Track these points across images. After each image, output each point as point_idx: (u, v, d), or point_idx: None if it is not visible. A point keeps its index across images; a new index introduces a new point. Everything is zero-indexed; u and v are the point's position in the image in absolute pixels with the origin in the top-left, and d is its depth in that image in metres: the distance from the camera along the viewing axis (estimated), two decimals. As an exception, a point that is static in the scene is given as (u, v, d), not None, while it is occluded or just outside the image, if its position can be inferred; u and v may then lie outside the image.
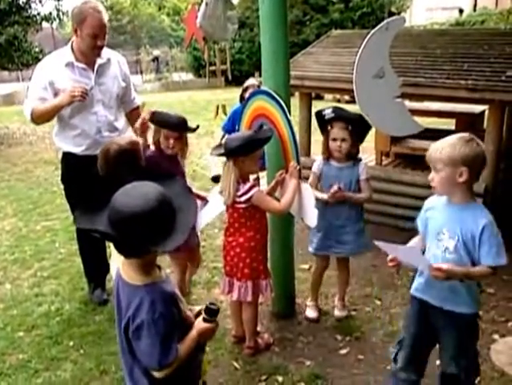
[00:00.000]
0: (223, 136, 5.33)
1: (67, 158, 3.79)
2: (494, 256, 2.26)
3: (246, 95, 5.13)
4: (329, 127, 3.41)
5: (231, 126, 5.06)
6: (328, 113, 3.38)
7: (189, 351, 1.89)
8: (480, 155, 2.31)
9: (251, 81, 5.24)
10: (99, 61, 3.66)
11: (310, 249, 3.70)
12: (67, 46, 3.67)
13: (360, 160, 3.53)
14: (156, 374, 1.84)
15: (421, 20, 23.45)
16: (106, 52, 3.71)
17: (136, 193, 1.70)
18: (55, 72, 3.57)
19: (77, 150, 3.70)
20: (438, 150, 2.29)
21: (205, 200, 3.57)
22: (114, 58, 3.80)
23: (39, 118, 3.67)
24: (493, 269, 2.28)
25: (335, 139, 3.39)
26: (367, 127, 3.44)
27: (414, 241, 2.60)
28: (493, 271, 2.29)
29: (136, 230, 1.66)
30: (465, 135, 2.34)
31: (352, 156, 3.48)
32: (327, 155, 3.50)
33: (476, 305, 2.46)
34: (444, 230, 2.36)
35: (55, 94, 3.57)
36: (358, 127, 3.40)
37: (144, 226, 1.66)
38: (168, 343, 1.79)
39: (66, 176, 3.85)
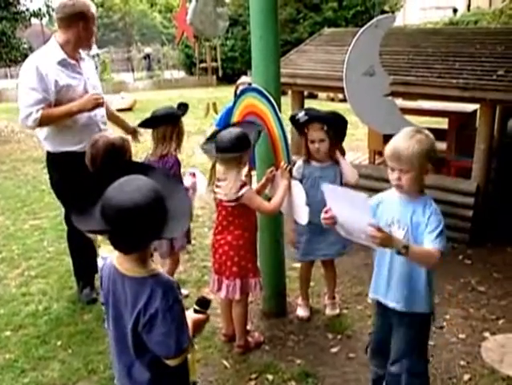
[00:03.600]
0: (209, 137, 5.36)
1: (65, 159, 3.65)
2: (434, 239, 2.25)
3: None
4: (306, 130, 3.37)
5: (223, 123, 5.03)
6: (301, 116, 3.33)
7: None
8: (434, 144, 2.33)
9: (243, 79, 5.21)
10: (81, 57, 3.71)
11: (297, 256, 3.68)
12: (52, 44, 3.62)
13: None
14: (172, 362, 1.83)
15: (415, 19, 23.50)
16: None
17: (130, 188, 1.68)
18: (54, 71, 3.52)
19: (77, 148, 3.62)
20: (407, 146, 2.26)
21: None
22: (86, 57, 3.87)
23: (49, 122, 3.60)
24: (436, 253, 2.25)
25: (312, 141, 3.36)
26: (344, 124, 3.39)
27: None
28: (434, 255, 2.25)
29: (137, 224, 1.65)
30: (414, 129, 2.36)
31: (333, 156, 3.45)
32: (307, 156, 3.46)
33: (431, 305, 2.48)
34: (394, 221, 2.38)
35: (57, 93, 3.53)
36: (333, 126, 3.36)
37: (144, 219, 1.65)
38: (183, 329, 1.81)
39: (64, 178, 3.63)
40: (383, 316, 2.62)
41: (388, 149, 2.32)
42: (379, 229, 2.14)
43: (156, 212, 1.68)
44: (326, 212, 2.38)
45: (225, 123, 5.01)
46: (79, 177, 3.17)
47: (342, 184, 3.42)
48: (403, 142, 2.28)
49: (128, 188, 1.68)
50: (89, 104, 3.53)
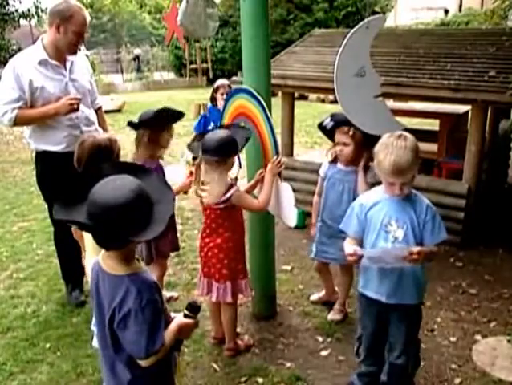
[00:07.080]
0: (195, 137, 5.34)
1: (46, 158, 3.69)
2: (437, 232, 2.45)
3: (217, 95, 5.12)
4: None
5: (201, 127, 5.04)
6: (328, 122, 3.39)
7: (170, 343, 1.90)
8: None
9: (221, 81, 5.21)
10: (70, 58, 3.66)
11: (310, 254, 3.71)
12: (36, 45, 3.60)
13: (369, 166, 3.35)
14: (143, 363, 1.84)
15: (406, 20, 23.53)
16: None
17: (113, 185, 1.71)
18: (30, 71, 3.49)
19: (57, 148, 3.63)
20: (406, 159, 2.32)
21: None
22: (79, 57, 3.82)
23: (25, 123, 3.66)
24: (437, 246, 2.49)
25: (337, 144, 3.39)
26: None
27: (347, 241, 2.64)
28: (438, 249, 2.51)
29: (114, 221, 1.67)
30: (398, 134, 2.44)
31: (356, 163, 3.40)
32: (334, 158, 3.49)
33: (421, 295, 2.64)
34: (392, 222, 2.45)
35: (32, 93, 3.50)
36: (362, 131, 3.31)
37: (121, 217, 1.67)
38: (156, 330, 1.81)
39: (45, 176, 3.74)
40: (377, 312, 2.66)
41: (389, 165, 2.33)
42: (418, 252, 2.33)
43: (135, 211, 1.69)
44: (351, 255, 2.48)
45: (204, 125, 5.04)
46: (60, 176, 3.15)
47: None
48: (401, 156, 2.32)
49: (111, 185, 1.71)
50: (63, 108, 3.48)
